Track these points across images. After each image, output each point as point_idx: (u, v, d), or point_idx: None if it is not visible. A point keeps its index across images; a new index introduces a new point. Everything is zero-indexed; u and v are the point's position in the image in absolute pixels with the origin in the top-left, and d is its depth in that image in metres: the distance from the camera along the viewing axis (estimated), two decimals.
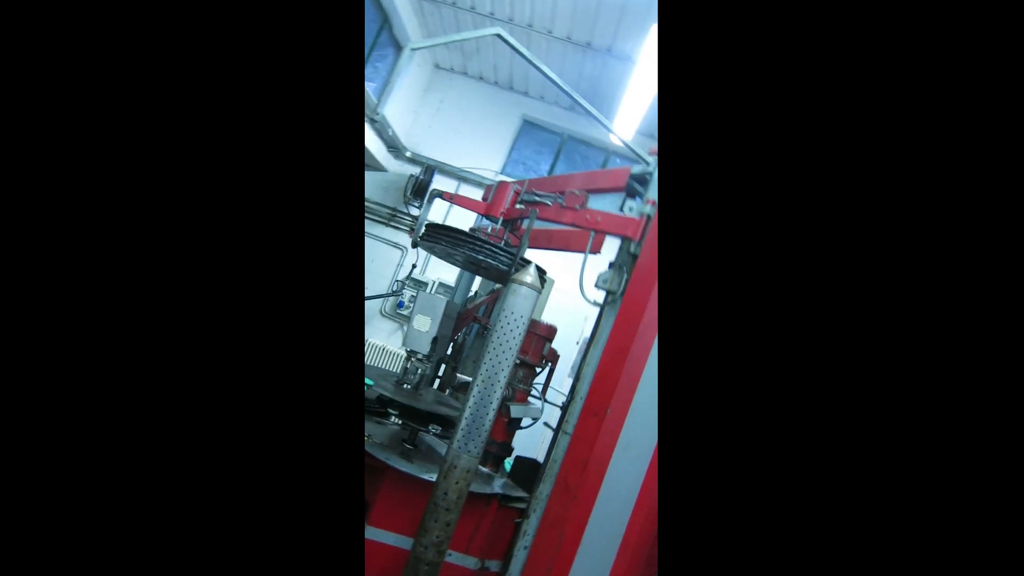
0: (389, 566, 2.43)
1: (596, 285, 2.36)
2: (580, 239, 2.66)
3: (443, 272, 5.45)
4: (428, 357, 2.85)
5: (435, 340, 2.77)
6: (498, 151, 5.70)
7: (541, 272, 2.38)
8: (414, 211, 5.43)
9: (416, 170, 5.31)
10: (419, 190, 5.30)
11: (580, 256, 2.90)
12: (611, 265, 2.39)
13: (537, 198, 2.67)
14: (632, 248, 2.30)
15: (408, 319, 2.77)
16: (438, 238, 2.59)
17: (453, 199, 3.01)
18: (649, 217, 2.29)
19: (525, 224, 2.64)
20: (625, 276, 2.28)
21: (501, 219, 2.87)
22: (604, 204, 2.50)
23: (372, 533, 2.44)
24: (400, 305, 5.36)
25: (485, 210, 2.90)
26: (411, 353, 2.91)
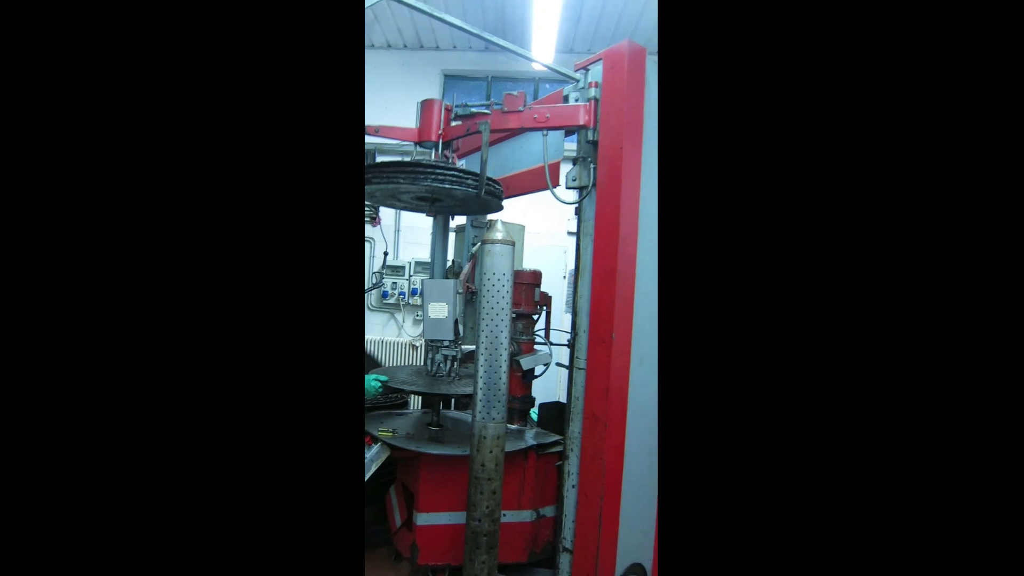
0: (450, 543, 2.49)
1: (567, 187, 2.36)
2: (538, 177, 2.62)
3: (416, 251, 5.36)
4: (455, 342, 2.82)
5: (455, 322, 2.73)
6: None
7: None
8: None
9: None
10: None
11: (540, 195, 2.86)
12: (575, 162, 2.37)
13: (473, 109, 2.50)
14: (590, 136, 2.27)
15: (422, 310, 2.66)
16: (394, 176, 2.27)
17: (379, 131, 2.66)
18: (597, 100, 2.25)
19: (482, 136, 2.33)
20: (592, 165, 2.25)
21: (440, 143, 2.58)
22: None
23: (424, 519, 2.48)
24: (384, 296, 5.29)
25: (418, 136, 2.61)
26: (432, 343, 2.86)
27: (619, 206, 2.09)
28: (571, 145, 2.52)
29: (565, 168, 2.49)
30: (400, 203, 2.81)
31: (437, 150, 2.60)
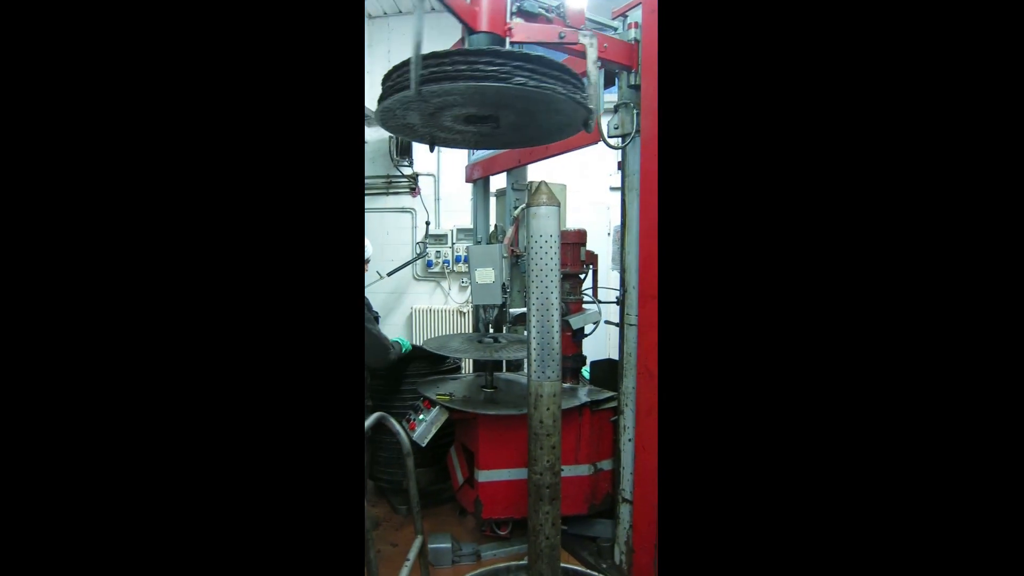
0: (511, 498, 2.58)
1: (609, 135, 2.28)
2: (575, 137, 2.57)
3: (457, 219, 5.38)
4: (504, 305, 2.88)
5: (503, 286, 2.77)
6: None
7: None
8: (406, 169, 5.32)
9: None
10: (404, 147, 5.16)
11: (576, 153, 2.80)
12: (616, 109, 2.28)
13: (539, 7, 1.82)
14: (632, 79, 2.18)
15: (470, 277, 2.61)
16: (456, 72, 1.39)
17: None
18: (638, 41, 2.15)
19: (587, 55, 1.76)
20: (635, 111, 2.18)
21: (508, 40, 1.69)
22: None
23: (485, 476, 2.59)
24: (429, 265, 5.38)
25: (473, 21, 1.65)
26: (481, 307, 2.94)
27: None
28: (610, 96, 2.45)
29: (604, 120, 2.43)
30: (439, 130, 1.86)
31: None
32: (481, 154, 3.64)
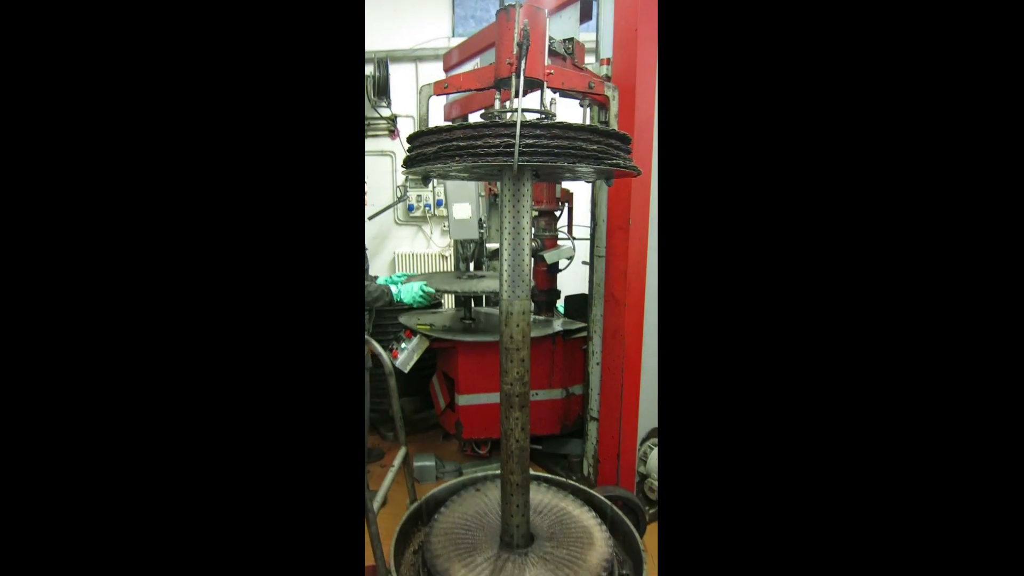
0: (489, 420, 2.78)
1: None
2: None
3: None
4: (482, 240, 2.96)
5: (480, 221, 2.86)
6: (440, 11, 5.30)
7: None
8: (384, 111, 5.27)
9: (368, 69, 5.06)
10: (382, 88, 5.09)
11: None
12: None
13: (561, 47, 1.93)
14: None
15: (447, 211, 2.58)
16: (560, 149, 1.30)
17: (448, 87, 1.73)
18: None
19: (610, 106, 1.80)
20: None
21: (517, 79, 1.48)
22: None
23: (465, 400, 2.77)
24: (411, 209, 5.41)
25: (495, 73, 1.58)
26: (459, 243, 2.99)
27: (634, 92, 2.11)
28: (587, 35, 2.47)
29: None
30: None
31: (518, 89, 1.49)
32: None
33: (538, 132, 1.29)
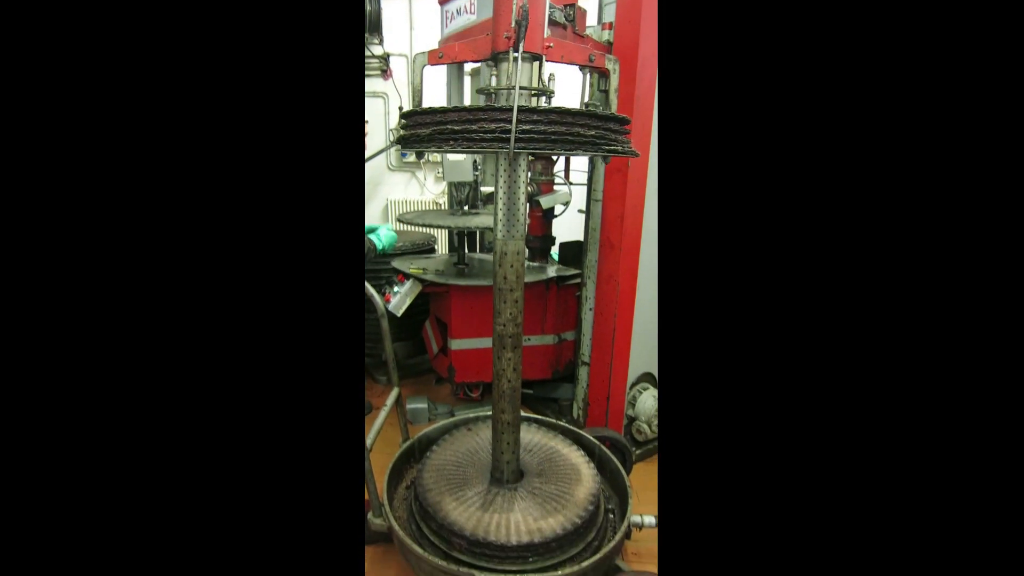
0: (481, 364, 2.80)
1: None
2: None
3: (432, 101, 5.19)
4: (476, 184, 2.91)
5: (475, 163, 2.80)
6: None
7: None
8: (376, 48, 5.05)
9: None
10: (374, 24, 4.86)
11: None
12: None
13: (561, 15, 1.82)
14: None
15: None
16: (556, 135, 1.26)
17: (442, 57, 1.70)
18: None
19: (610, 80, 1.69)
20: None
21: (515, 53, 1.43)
22: None
23: (457, 344, 2.78)
24: (404, 155, 5.28)
25: (490, 46, 1.51)
26: (453, 186, 2.95)
27: (639, 27, 2.02)
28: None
29: None
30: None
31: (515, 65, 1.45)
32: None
33: (535, 118, 1.24)
